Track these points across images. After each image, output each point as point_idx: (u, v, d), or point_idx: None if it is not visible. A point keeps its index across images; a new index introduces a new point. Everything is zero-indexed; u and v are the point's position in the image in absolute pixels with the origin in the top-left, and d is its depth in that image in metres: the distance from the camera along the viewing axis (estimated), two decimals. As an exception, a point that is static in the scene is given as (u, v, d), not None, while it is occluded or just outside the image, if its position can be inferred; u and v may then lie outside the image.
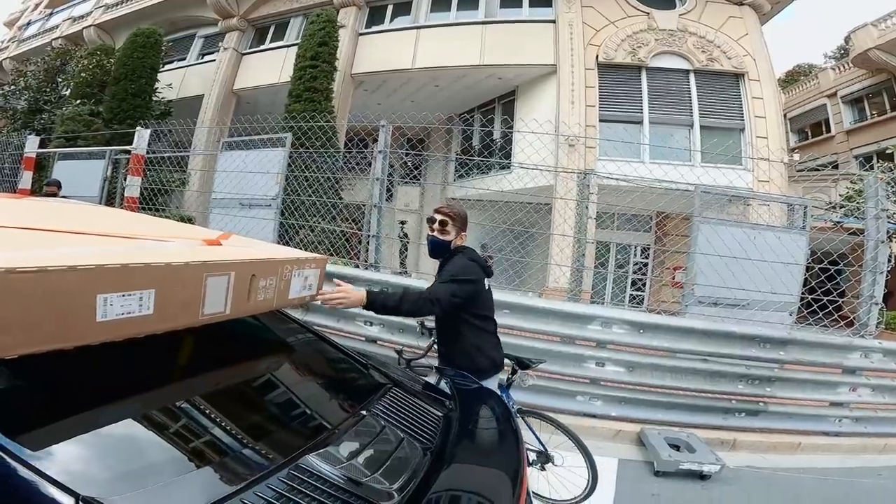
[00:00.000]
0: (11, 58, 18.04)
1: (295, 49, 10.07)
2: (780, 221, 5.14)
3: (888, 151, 11.66)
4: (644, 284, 9.29)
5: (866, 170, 12.56)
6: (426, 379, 1.95)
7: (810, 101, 17.90)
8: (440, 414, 1.56)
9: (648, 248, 9.95)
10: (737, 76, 10.07)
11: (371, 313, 2.58)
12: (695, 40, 10.15)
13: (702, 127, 9.78)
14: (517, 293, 4.31)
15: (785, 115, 14.46)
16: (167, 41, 12.14)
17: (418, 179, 12.56)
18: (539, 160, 4.64)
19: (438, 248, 2.21)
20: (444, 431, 1.44)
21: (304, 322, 1.91)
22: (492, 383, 2.22)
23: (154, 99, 10.98)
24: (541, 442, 2.53)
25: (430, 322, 2.55)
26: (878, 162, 12.66)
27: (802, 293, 4.12)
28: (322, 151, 5.32)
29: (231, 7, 13.04)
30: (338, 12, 11.21)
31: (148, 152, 5.45)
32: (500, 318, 2.36)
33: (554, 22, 10.49)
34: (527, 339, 3.68)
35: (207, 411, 1.16)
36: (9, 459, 0.76)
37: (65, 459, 0.85)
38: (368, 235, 4.38)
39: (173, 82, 12.48)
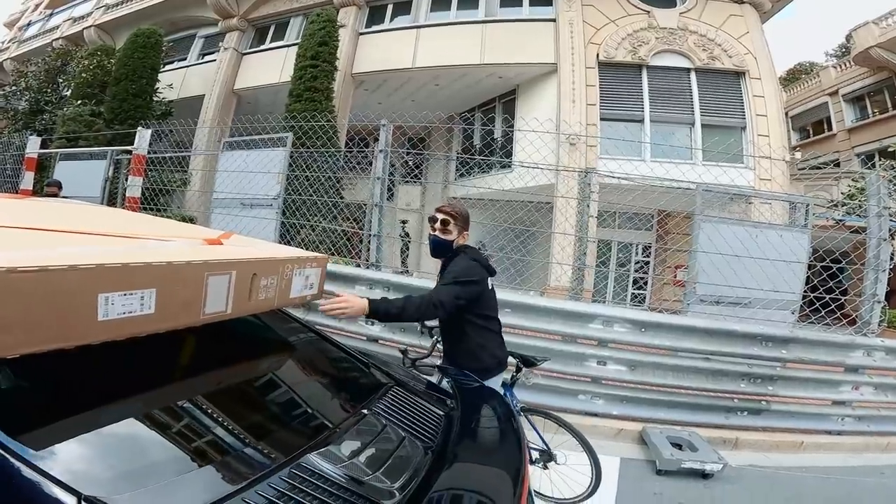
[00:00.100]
0: (12, 58, 18.03)
1: (295, 49, 10.06)
2: (781, 219, 5.13)
3: (890, 149, 11.65)
4: (646, 283, 9.29)
5: (868, 168, 12.52)
6: (428, 378, 1.95)
7: (812, 99, 17.83)
8: (441, 413, 1.56)
9: (650, 247, 9.91)
10: (738, 74, 10.03)
11: None
12: (695, 38, 10.12)
13: (703, 125, 9.74)
14: (519, 292, 4.31)
15: (786, 114, 14.43)
16: (167, 41, 12.14)
17: (419, 178, 12.54)
18: (540, 159, 4.63)
19: (440, 248, 2.18)
20: (446, 430, 1.44)
21: (305, 321, 1.90)
22: (496, 382, 2.20)
23: (155, 99, 10.98)
24: (544, 440, 2.52)
25: (430, 321, 2.54)
26: (879, 160, 12.60)
27: (805, 291, 4.11)
28: (323, 151, 5.33)
29: (231, 7, 13.04)
30: (338, 12, 11.19)
31: (149, 152, 5.45)
32: (502, 317, 2.34)
33: (554, 21, 10.46)
34: (529, 338, 3.68)
35: (209, 410, 1.16)
36: (12, 459, 0.77)
37: (67, 459, 0.85)
38: (369, 235, 4.39)
39: (174, 82, 12.48)
